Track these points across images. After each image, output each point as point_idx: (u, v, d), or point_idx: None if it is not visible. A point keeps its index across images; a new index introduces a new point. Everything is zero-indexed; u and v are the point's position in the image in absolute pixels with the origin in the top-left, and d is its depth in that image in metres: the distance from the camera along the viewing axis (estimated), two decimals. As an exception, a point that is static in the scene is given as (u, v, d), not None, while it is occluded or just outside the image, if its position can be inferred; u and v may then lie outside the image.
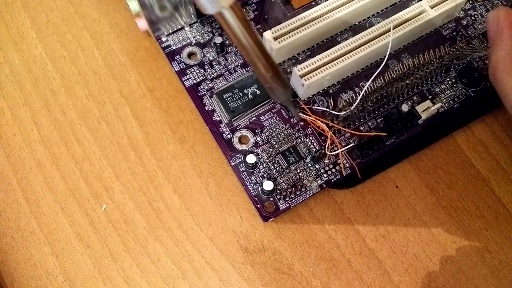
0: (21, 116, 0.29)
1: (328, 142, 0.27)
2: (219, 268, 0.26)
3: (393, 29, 0.28)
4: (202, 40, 0.30)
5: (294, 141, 0.28)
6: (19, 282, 0.26)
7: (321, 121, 0.27)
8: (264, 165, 0.27)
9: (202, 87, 0.29)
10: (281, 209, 0.26)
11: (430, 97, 0.29)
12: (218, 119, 0.28)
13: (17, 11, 0.32)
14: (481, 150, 0.29)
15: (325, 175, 0.27)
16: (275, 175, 0.27)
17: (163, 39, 0.30)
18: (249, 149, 0.28)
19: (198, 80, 0.29)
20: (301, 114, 0.28)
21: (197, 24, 0.31)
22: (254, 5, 0.31)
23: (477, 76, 0.30)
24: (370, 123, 0.28)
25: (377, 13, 0.31)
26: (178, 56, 0.30)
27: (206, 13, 0.21)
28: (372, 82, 0.28)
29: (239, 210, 0.27)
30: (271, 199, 0.27)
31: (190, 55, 0.30)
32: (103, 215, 0.27)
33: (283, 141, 0.28)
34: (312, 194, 0.27)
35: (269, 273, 0.26)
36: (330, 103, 0.28)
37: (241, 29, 0.22)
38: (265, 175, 0.27)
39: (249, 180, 0.27)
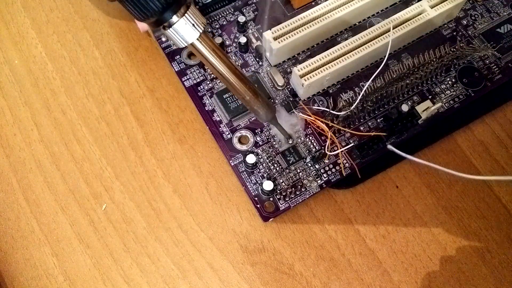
0: (21, 116, 0.29)
1: (328, 142, 0.27)
2: (219, 268, 0.26)
3: (393, 29, 0.28)
4: (202, 40, 0.30)
5: (294, 141, 0.28)
6: (19, 282, 0.26)
7: (321, 121, 0.27)
8: (264, 165, 0.27)
9: (202, 87, 0.29)
10: (281, 209, 0.26)
11: (430, 97, 0.29)
12: (218, 119, 0.28)
13: (17, 11, 0.32)
14: (481, 150, 0.29)
15: (325, 175, 0.27)
16: (275, 175, 0.27)
17: (163, 39, 0.30)
18: (249, 149, 0.28)
19: (198, 80, 0.29)
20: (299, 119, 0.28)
21: (197, 24, 0.31)
22: (254, 5, 0.31)
23: (477, 76, 0.30)
24: (370, 123, 0.28)
25: (377, 13, 0.31)
26: (178, 56, 0.30)
27: (179, 47, 0.23)
28: (372, 82, 0.28)
29: (239, 210, 0.27)
30: (271, 199, 0.27)
31: (190, 55, 0.30)
32: (103, 215, 0.27)
33: (283, 141, 0.28)
34: (312, 194, 0.27)
35: (269, 273, 0.26)
36: (330, 103, 0.28)
37: (213, 57, 0.23)
38: (265, 175, 0.27)
39: (249, 180, 0.27)
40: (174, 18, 0.21)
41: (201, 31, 0.22)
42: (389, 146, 0.26)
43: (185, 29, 0.22)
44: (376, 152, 0.28)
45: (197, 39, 0.22)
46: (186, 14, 0.21)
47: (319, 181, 0.27)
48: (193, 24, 0.22)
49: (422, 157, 0.29)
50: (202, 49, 0.23)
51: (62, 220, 0.27)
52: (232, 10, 0.31)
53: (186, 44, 0.22)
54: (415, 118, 0.28)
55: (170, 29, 0.22)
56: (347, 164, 0.27)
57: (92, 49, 0.31)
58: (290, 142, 0.28)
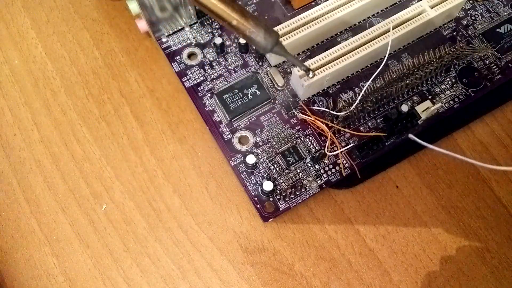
0: (21, 116, 0.30)
1: (328, 142, 0.27)
2: (219, 268, 0.26)
3: (393, 29, 0.28)
4: (202, 41, 0.30)
5: (294, 142, 0.28)
6: (19, 282, 0.26)
7: (321, 122, 0.27)
8: (264, 165, 0.27)
9: (202, 88, 0.29)
10: (281, 209, 0.26)
11: (430, 97, 0.29)
12: (218, 119, 0.28)
13: (17, 11, 0.32)
14: (481, 150, 0.29)
15: (325, 175, 0.27)
16: (275, 176, 0.27)
17: (163, 39, 0.30)
18: (249, 150, 0.28)
19: (198, 80, 0.29)
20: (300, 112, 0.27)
21: (197, 24, 0.31)
22: (254, 5, 0.31)
23: (477, 76, 0.30)
24: (370, 123, 0.28)
25: (377, 13, 0.31)
26: (178, 56, 0.30)
27: None
28: (372, 82, 0.28)
29: (239, 210, 0.27)
30: (271, 199, 0.27)
31: (190, 55, 0.30)
32: (103, 215, 0.27)
33: (283, 142, 0.28)
34: (312, 194, 0.27)
35: (269, 273, 0.26)
36: (330, 103, 0.28)
37: None
38: (265, 175, 0.27)
39: (249, 180, 0.27)
40: None
41: None
42: (410, 135, 0.26)
43: None
44: (376, 152, 0.28)
45: None
46: None
47: (319, 181, 0.27)
48: None
49: (423, 157, 0.29)
50: None
51: (62, 220, 0.27)
52: (232, 10, 0.31)
53: None
54: (415, 118, 0.28)
55: None
56: (347, 164, 0.27)
57: (92, 49, 0.31)
58: (311, 75, 0.25)
